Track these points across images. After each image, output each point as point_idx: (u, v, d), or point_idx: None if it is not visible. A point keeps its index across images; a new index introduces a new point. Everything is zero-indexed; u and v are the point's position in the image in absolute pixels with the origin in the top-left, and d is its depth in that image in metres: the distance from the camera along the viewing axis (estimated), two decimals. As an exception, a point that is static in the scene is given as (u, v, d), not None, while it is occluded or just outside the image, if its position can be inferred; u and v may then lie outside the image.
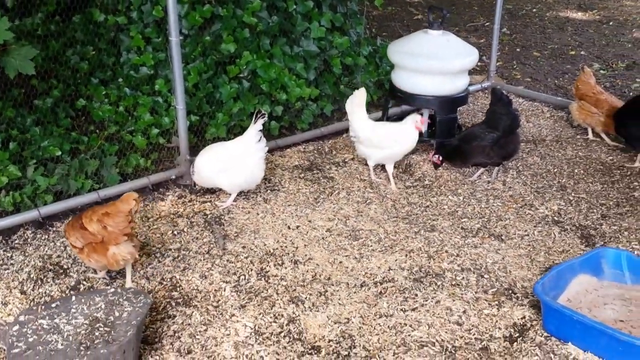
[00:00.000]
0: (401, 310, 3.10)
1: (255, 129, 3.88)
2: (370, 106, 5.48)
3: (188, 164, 4.11)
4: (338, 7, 5.52)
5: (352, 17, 5.65)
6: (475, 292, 3.25)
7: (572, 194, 4.26)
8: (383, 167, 4.47)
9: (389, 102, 4.95)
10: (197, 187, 4.09)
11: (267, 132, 4.83)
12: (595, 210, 4.05)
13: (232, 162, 3.89)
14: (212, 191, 4.13)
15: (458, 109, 4.91)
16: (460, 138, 4.37)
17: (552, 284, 3.03)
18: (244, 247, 3.58)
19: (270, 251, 3.55)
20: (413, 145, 4.32)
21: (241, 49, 4.80)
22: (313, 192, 4.21)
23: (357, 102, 4.32)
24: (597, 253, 3.29)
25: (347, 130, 5.17)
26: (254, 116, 3.89)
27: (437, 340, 2.90)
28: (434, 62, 4.51)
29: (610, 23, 8.84)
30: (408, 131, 4.27)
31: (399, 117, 5.15)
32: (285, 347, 2.84)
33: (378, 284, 3.31)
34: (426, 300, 3.18)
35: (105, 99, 4.50)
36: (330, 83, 5.28)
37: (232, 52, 4.74)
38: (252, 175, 3.93)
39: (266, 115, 3.92)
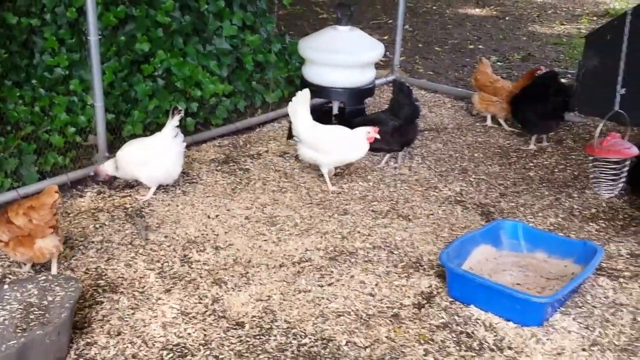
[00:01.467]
0: (318, 285, 3.36)
1: (172, 125, 4.06)
2: (282, 101, 5.77)
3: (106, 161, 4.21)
4: (248, 7, 5.73)
5: (262, 15, 5.87)
6: (386, 267, 3.55)
7: (473, 176, 4.66)
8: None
9: (300, 95, 5.21)
10: (104, 180, 4.15)
11: (183, 128, 4.97)
12: (494, 190, 4.47)
13: (151, 157, 4.04)
14: (131, 186, 4.24)
15: (365, 100, 5.23)
16: (365, 121, 4.61)
17: (455, 253, 3.36)
18: (166, 237, 3.72)
19: (191, 239, 3.71)
20: (362, 155, 4.39)
21: (155, 48, 4.92)
22: (230, 184, 4.41)
23: (300, 103, 4.36)
24: (496, 225, 3.66)
25: (260, 124, 5.43)
26: (171, 112, 4.06)
27: (352, 310, 3.17)
28: (343, 55, 4.81)
29: (507, 18, 9.54)
30: (359, 141, 4.30)
31: (311, 111, 5.45)
32: (211, 324, 3.03)
33: (296, 263, 3.55)
34: (341, 276, 3.45)
35: (20, 100, 4.50)
36: (243, 79, 5.49)
37: (146, 51, 4.85)
38: (170, 169, 4.10)
39: (182, 112, 4.08)
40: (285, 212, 4.08)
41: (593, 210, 4.12)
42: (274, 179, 4.52)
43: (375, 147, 4.57)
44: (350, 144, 4.34)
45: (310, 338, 2.96)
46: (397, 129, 4.53)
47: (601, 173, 4.24)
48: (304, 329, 3.02)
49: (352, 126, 4.46)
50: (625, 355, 2.85)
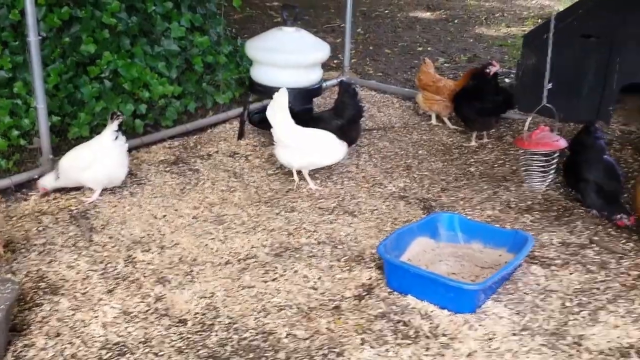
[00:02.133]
0: (262, 281, 3.35)
1: (111, 128, 4.04)
2: (233, 102, 5.75)
3: (51, 164, 4.13)
4: (197, 8, 5.69)
5: (212, 17, 5.83)
6: (330, 261, 3.56)
7: (417, 172, 4.72)
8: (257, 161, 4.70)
9: (249, 96, 5.20)
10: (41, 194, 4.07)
11: (132, 130, 4.93)
12: (436, 185, 4.53)
13: (93, 161, 4.00)
14: (76, 188, 4.16)
15: (313, 99, 5.25)
16: (311, 119, 4.64)
17: (393, 245, 3.40)
18: (110, 238, 3.67)
19: (137, 240, 3.67)
20: (340, 158, 4.42)
21: (101, 49, 4.84)
22: (179, 184, 4.37)
23: (278, 105, 4.30)
24: (434, 217, 3.72)
25: (211, 125, 5.40)
26: (110, 117, 4.04)
27: (294, 304, 3.17)
28: (290, 56, 4.82)
29: (455, 21, 9.69)
30: (336, 143, 4.35)
31: (260, 111, 5.44)
32: (152, 322, 2.99)
33: (241, 260, 3.54)
34: (285, 271, 3.44)
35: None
36: (193, 81, 5.45)
37: (92, 52, 4.77)
38: (113, 172, 4.06)
39: (122, 117, 4.07)
40: (233, 211, 4.06)
41: (529, 202, 4.21)
42: (223, 179, 4.50)
43: None
44: (330, 146, 4.36)
45: (251, 332, 2.96)
46: (340, 128, 4.56)
47: (531, 165, 4.34)
48: (246, 324, 3.01)
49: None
50: (554, 339, 2.91)
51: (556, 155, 4.28)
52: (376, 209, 4.16)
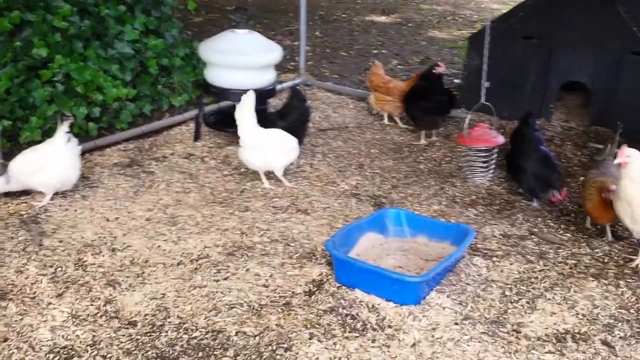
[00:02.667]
0: (214, 280, 3.32)
1: (62, 131, 3.94)
2: (189, 104, 5.69)
3: (2, 168, 4.01)
4: (152, 12, 5.61)
5: (167, 20, 5.76)
6: (282, 259, 3.55)
7: (369, 171, 4.74)
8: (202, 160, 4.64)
9: (204, 98, 5.15)
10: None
11: (85, 133, 4.83)
12: (387, 182, 4.56)
13: (44, 164, 3.89)
14: (27, 192, 4.05)
15: (267, 100, 5.22)
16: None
17: (342, 241, 3.41)
18: (61, 242, 3.58)
19: (88, 243, 3.59)
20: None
21: (53, 53, 4.73)
22: (133, 187, 4.29)
23: (246, 107, 4.24)
24: (382, 213, 3.75)
25: (167, 127, 5.33)
26: (59, 119, 3.95)
27: (245, 302, 3.15)
28: (242, 57, 4.79)
29: (409, 25, 9.79)
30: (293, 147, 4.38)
31: (216, 113, 5.41)
32: (101, 325, 2.93)
33: (194, 261, 3.50)
34: (237, 270, 3.42)
35: None
36: (148, 84, 5.37)
37: (44, 56, 4.66)
38: (65, 175, 3.96)
39: (71, 117, 3.98)
40: (187, 212, 4.02)
41: (473, 197, 4.28)
42: (178, 181, 4.44)
43: None
44: (295, 143, 4.37)
45: (201, 331, 2.92)
46: (285, 130, 4.54)
47: (472, 161, 4.42)
48: (196, 323, 2.98)
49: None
50: (494, 326, 2.96)
51: (495, 151, 4.36)
52: (329, 207, 4.17)
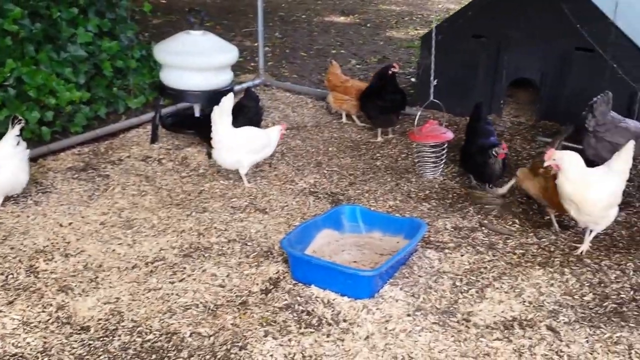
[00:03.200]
0: (170, 282, 3.27)
1: (12, 134, 3.83)
2: (146, 107, 5.60)
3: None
4: (106, 13, 5.51)
5: (122, 22, 5.66)
6: (239, 258, 3.51)
7: (326, 169, 4.73)
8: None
9: (160, 100, 5.08)
10: None
11: (38, 138, 4.71)
12: (344, 180, 4.56)
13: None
14: (-23, 199, 3.93)
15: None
16: (200, 121, 4.58)
17: (298, 239, 3.40)
18: (12, 249, 3.48)
19: (40, 249, 3.50)
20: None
21: (4, 56, 4.61)
22: (87, 191, 4.20)
23: (223, 109, 4.20)
24: (337, 210, 3.75)
25: (124, 130, 5.24)
26: (11, 122, 3.83)
27: (200, 302, 3.11)
28: (198, 58, 4.74)
29: (368, 25, 9.83)
30: (275, 137, 4.40)
31: (173, 115, 5.34)
32: (53, 332, 2.86)
33: (149, 263, 3.44)
34: (193, 271, 3.37)
35: None
36: (103, 86, 5.28)
37: (-6, 60, 4.54)
38: (13, 179, 3.85)
39: (23, 121, 3.87)
40: (143, 215, 3.95)
41: (427, 192, 4.32)
42: (134, 184, 4.37)
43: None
44: (268, 141, 4.37)
45: (155, 334, 2.88)
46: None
47: (423, 157, 4.46)
48: (150, 326, 2.93)
49: (198, 127, 4.47)
50: (445, 316, 2.99)
51: (445, 146, 4.41)
52: (287, 205, 4.15)
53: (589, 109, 4.34)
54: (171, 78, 4.83)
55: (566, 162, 3.41)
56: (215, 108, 4.20)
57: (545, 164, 3.47)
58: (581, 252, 3.55)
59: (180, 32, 4.95)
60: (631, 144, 3.45)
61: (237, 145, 4.26)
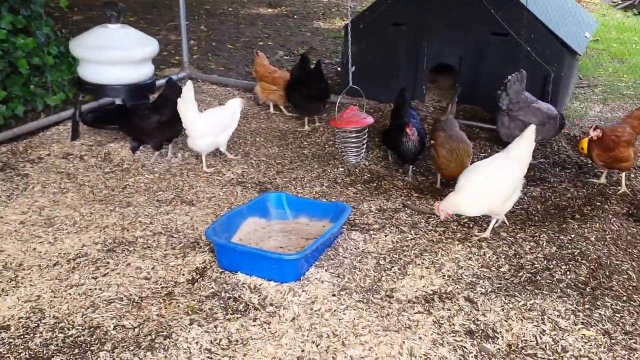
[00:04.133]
0: (92, 278, 3.22)
1: None
2: (66, 104, 5.45)
3: None
4: (21, 10, 5.31)
5: (37, 19, 5.47)
6: (165, 250, 3.50)
7: (254, 159, 4.76)
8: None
9: (80, 95, 4.95)
10: None
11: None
12: (272, 169, 4.60)
13: None
14: None
15: (150, 95, 5.10)
16: (129, 111, 4.55)
17: (223, 228, 3.41)
18: None
19: (-47, 252, 3.37)
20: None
21: None
22: (5, 191, 4.07)
23: (187, 99, 4.29)
24: (262, 198, 3.78)
25: (43, 128, 5.08)
26: None
27: (125, 296, 3.08)
28: (116, 52, 4.66)
29: (295, 17, 9.88)
30: (237, 110, 4.57)
31: (94, 110, 5.21)
32: (-31, 334, 2.78)
33: (71, 260, 3.38)
34: (117, 265, 3.34)
35: None
36: (20, 84, 5.10)
37: None
38: None
39: None
40: (64, 212, 3.86)
41: (353, 177, 4.42)
42: (55, 181, 4.26)
43: (140, 140, 4.54)
44: (232, 115, 4.55)
45: (77, 329, 2.84)
46: (164, 123, 4.47)
47: (345, 142, 4.56)
48: (73, 321, 2.89)
49: (121, 121, 4.46)
50: (369, 294, 3.09)
51: (366, 131, 4.53)
52: (214, 196, 4.15)
53: (504, 88, 4.54)
54: (89, 73, 4.73)
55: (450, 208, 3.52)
56: (179, 100, 4.31)
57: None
58: (481, 239, 3.61)
59: (97, 26, 4.85)
60: (531, 130, 3.53)
61: (208, 130, 4.40)
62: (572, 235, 3.68)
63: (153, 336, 2.78)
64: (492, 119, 5.41)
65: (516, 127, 4.47)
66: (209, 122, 4.43)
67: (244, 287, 3.13)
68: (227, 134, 4.57)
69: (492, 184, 3.48)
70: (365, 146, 4.57)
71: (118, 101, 4.89)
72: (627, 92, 6.69)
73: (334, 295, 3.06)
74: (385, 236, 3.61)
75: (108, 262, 3.36)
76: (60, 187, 4.18)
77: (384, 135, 4.56)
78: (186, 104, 4.32)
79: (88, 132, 4.99)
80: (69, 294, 3.09)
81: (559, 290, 3.18)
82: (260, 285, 3.13)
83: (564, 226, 3.78)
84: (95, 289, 3.13)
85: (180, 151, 4.81)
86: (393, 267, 3.32)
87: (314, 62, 5.24)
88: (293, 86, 5.27)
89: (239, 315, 2.93)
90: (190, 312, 2.95)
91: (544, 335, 2.86)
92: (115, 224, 3.76)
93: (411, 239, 3.59)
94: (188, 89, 4.32)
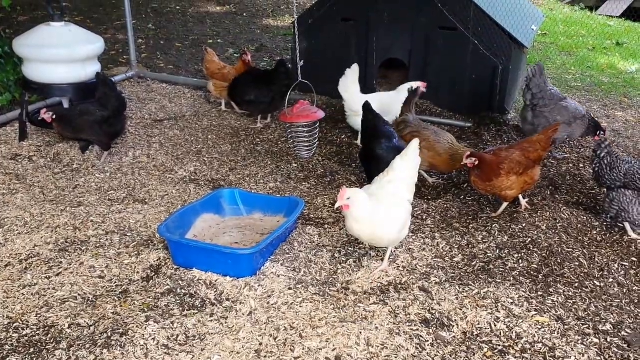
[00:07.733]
0: (45, 277, 3.19)
1: None
2: (13, 104, 5.33)
3: None
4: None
5: (-22, 18, 5.34)
6: (118, 249, 3.49)
7: (207, 156, 4.78)
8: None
9: (26, 95, 4.86)
10: None
11: None
12: (225, 166, 4.63)
13: None
14: None
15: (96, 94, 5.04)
16: (77, 112, 4.46)
17: (176, 224, 3.42)
18: None
19: None
20: None
21: None
22: (-52, 193, 3.97)
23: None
24: (216, 194, 3.80)
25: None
26: None
27: (79, 295, 3.07)
28: (60, 51, 4.61)
29: (244, 14, 9.88)
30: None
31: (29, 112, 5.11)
32: None
33: (23, 261, 3.34)
34: (70, 265, 3.31)
35: None
36: (-39, 84, 4.95)
37: None
38: None
39: None
40: (14, 213, 3.80)
41: (306, 172, 4.50)
42: (3, 183, 4.18)
43: (84, 139, 4.50)
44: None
45: (32, 328, 2.82)
46: (106, 120, 4.45)
47: (297, 137, 4.63)
48: (27, 321, 2.87)
49: (64, 118, 4.37)
50: (325, 287, 3.17)
51: (317, 125, 4.60)
52: (167, 194, 4.16)
53: (526, 82, 4.43)
54: (35, 73, 4.66)
55: (356, 202, 3.10)
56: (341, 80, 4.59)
57: (337, 205, 3.11)
58: (382, 270, 3.31)
59: (40, 25, 4.77)
60: (415, 144, 3.27)
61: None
62: (524, 225, 3.81)
63: (109, 334, 2.79)
64: (441, 113, 5.59)
65: (540, 123, 4.33)
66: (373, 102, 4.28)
67: (199, 283, 3.16)
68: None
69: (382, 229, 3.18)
70: (317, 141, 4.65)
71: (65, 101, 4.82)
72: (574, 84, 7.00)
73: (290, 288, 3.12)
74: (340, 230, 3.70)
75: (61, 262, 3.34)
76: (9, 188, 4.10)
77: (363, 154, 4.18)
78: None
79: (37, 133, 4.90)
80: (22, 294, 3.06)
81: (512, 279, 3.28)
82: (216, 281, 3.17)
83: (515, 216, 3.92)
84: (49, 288, 3.11)
85: (130, 150, 4.78)
86: (348, 259, 3.41)
87: (275, 61, 5.28)
88: (237, 84, 5.30)
89: (196, 311, 2.97)
90: (146, 309, 2.97)
91: (498, 322, 2.94)
92: (67, 224, 3.72)
93: (365, 232, 3.69)
94: (353, 71, 4.68)
